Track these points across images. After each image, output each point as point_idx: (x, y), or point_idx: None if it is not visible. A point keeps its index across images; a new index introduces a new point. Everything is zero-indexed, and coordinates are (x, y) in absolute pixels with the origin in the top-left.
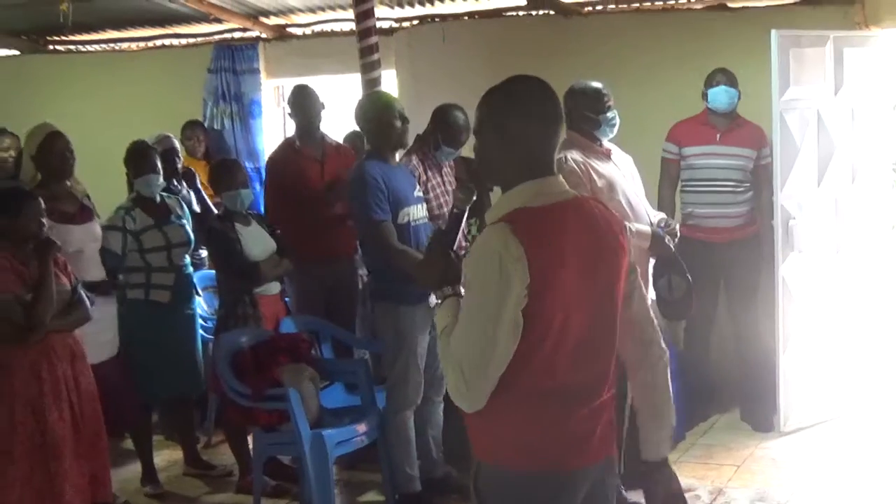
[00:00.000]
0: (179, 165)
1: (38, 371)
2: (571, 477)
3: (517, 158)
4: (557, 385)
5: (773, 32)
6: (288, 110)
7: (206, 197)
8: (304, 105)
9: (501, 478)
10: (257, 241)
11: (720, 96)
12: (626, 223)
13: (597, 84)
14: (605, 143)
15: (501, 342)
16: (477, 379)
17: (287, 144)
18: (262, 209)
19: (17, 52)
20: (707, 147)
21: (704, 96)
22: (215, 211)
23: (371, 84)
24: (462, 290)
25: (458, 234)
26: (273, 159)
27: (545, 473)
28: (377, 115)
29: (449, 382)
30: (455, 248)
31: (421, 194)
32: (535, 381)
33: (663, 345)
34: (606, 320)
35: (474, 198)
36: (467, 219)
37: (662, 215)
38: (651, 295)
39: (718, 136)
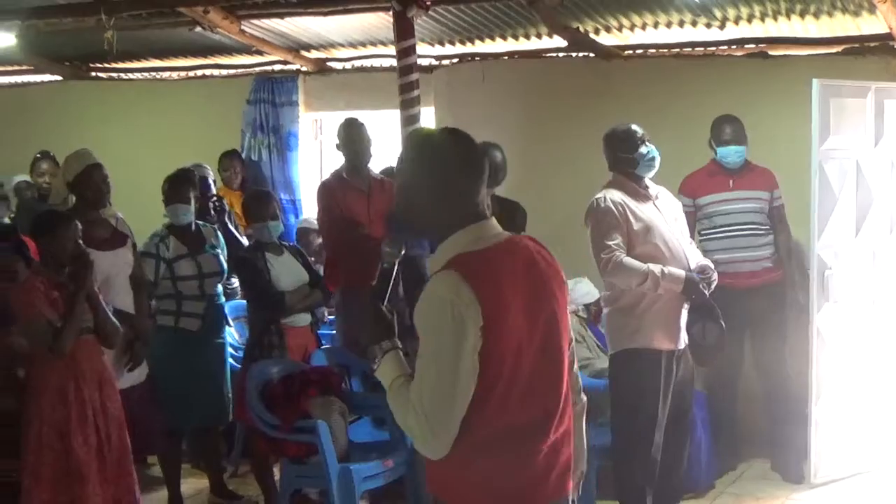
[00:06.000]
0: (213, 194)
1: (66, 394)
2: None
3: (450, 209)
4: (512, 424)
5: (815, 82)
6: (336, 142)
7: (233, 230)
8: (352, 138)
9: None
10: (288, 272)
11: (731, 156)
12: (661, 266)
13: (629, 125)
14: (653, 186)
15: (462, 386)
16: (442, 424)
17: (335, 176)
18: (295, 240)
19: (59, 78)
20: (722, 194)
21: (711, 146)
22: (244, 242)
23: (410, 121)
24: (399, 343)
25: (388, 288)
26: (323, 187)
27: None
28: None
29: (413, 432)
30: (387, 302)
31: None
32: (492, 421)
33: (583, 393)
34: (553, 353)
35: (402, 253)
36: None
37: (706, 261)
38: (684, 339)
39: (731, 182)
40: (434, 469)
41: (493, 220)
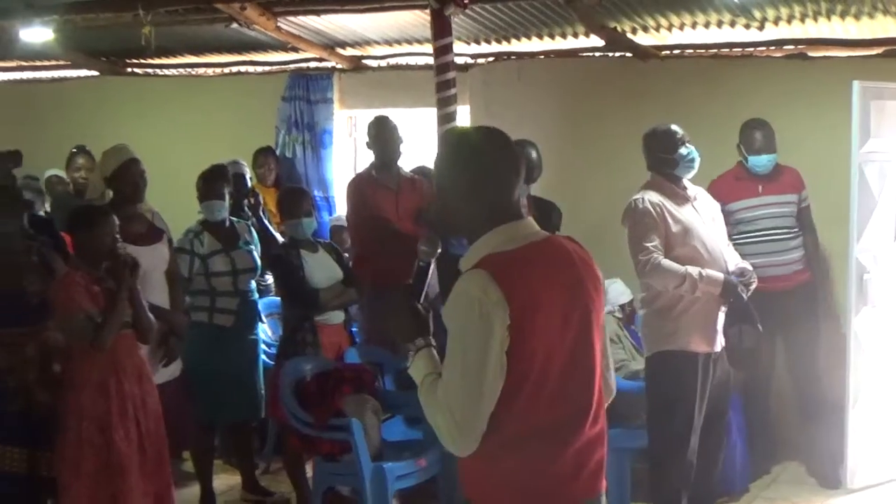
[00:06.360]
0: (248, 190)
1: (106, 388)
2: None
3: (482, 208)
4: (542, 422)
5: (855, 84)
6: (366, 140)
7: (267, 226)
8: (382, 136)
9: None
10: (322, 269)
11: (762, 165)
12: (699, 269)
13: (669, 125)
14: (691, 187)
15: (489, 384)
16: (469, 422)
17: (364, 173)
18: (328, 237)
19: (96, 73)
20: (752, 200)
21: (740, 151)
22: (279, 239)
23: (446, 119)
24: (433, 341)
25: (424, 286)
26: (351, 187)
27: None
28: None
29: (440, 429)
30: (422, 300)
31: None
32: (521, 419)
33: (613, 387)
34: (586, 352)
35: (439, 251)
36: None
37: (745, 264)
38: (721, 342)
39: (761, 187)
40: (465, 468)
41: (529, 220)
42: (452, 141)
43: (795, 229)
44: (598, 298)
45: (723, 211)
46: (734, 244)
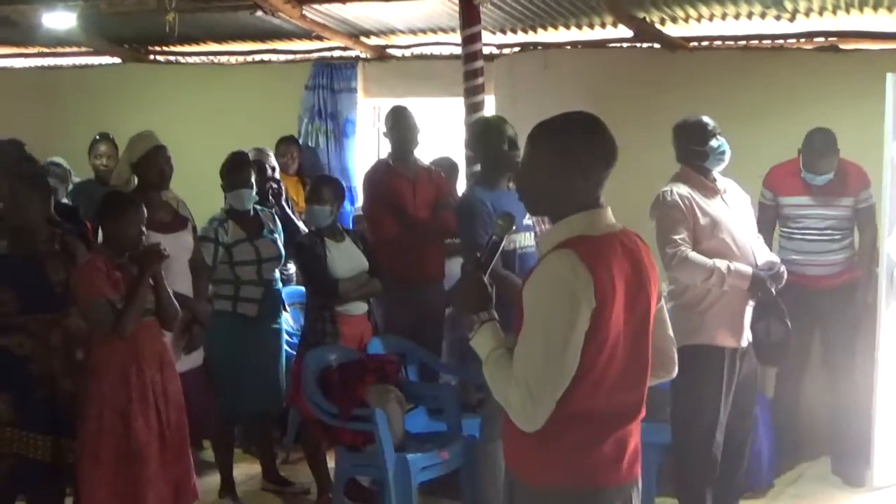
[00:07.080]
0: (270, 178)
1: (127, 376)
2: (606, 493)
3: (573, 191)
4: (600, 407)
5: (889, 76)
6: (383, 129)
7: (290, 214)
8: (399, 126)
9: (538, 494)
10: (346, 259)
11: (818, 182)
12: (727, 262)
13: (699, 117)
14: (721, 180)
15: (569, 362)
16: (544, 398)
17: (381, 163)
18: (351, 226)
19: (118, 61)
20: (804, 198)
21: (800, 154)
22: (302, 228)
23: (474, 108)
24: (496, 315)
25: (493, 260)
26: (368, 177)
27: (581, 489)
28: (486, 139)
29: (512, 403)
30: (487, 275)
31: (531, 222)
32: (579, 402)
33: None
34: (642, 347)
35: (514, 227)
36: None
37: (773, 258)
38: (748, 336)
39: (816, 188)
40: (512, 445)
41: (608, 211)
42: (557, 121)
43: (845, 231)
44: (654, 299)
45: (775, 201)
46: (780, 237)
